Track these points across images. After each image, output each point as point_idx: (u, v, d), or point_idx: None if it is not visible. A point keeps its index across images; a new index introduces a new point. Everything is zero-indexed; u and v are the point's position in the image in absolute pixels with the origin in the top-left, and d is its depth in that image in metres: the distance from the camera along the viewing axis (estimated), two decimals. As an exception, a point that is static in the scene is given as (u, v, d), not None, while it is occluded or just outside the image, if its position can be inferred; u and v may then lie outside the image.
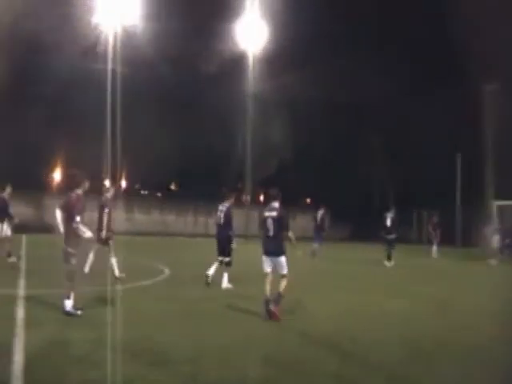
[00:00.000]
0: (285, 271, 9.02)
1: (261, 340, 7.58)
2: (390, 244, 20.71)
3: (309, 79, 36.64)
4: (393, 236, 20.75)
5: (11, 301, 9.29)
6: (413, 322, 9.30)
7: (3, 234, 15.57)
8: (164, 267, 15.58)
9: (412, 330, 8.61)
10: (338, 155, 43.35)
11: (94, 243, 12.64)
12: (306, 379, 6.02)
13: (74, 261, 8.47)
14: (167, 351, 6.70)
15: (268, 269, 9.10)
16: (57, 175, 45.66)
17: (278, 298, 8.90)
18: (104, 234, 12.77)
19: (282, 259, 9.02)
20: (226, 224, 12.42)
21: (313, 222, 26.23)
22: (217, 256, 12.44)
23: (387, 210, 21.34)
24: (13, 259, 15.17)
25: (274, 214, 9.08)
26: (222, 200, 12.87)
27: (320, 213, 24.56)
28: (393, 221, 20.88)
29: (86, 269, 12.77)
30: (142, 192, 54.70)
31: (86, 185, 8.86)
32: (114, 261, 12.71)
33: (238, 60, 38.62)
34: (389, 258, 20.45)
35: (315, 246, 22.86)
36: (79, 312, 8.35)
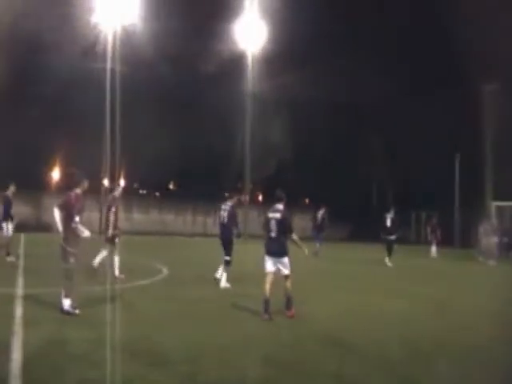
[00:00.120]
0: (288, 272, 9.04)
1: (260, 340, 7.56)
2: (390, 245, 20.78)
3: (308, 79, 36.65)
4: (393, 237, 20.80)
5: (10, 299, 9.28)
6: (412, 323, 9.29)
7: (9, 233, 15.63)
8: (162, 267, 15.56)
9: (411, 330, 8.61)
10: (338, 155, 43.37)
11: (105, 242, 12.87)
12: (305, 379, 6.01)
13: (72, 260, 8.45)
14: (166, 351, 6.68)
15: (269, 269, 9.10)
16: (56, 174, 45.66)
17: (288, 302, 9.01)
18: (110, 232, 12.81)
19: (285, 260, 9.05)
20: (230, 223, 12.46)
21: (312, 221, 26.27)
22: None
23: (387, 210, 21.37)
24: (11, 258, 15.17)
25: (278, 215, 9.11)
26: (225, 199, 12.92)
27: (320, 213, 24.61)
28: (393, 221, 20.92)
29: (96, 263, 12.86)
30: (141, 191, 54.69)
31: (85, 184, 8.85)
32: (116, 260, 12.72)
33: (238, 60, 38.60)
34: (389, 254, 20.54)
35: (317, 245, 22.95)
36: (77, 311, 8.33)
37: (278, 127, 39.51)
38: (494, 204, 28.99)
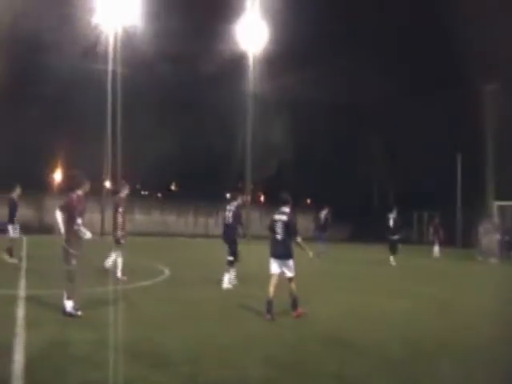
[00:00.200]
0: (292, 274, 9.09)
1: (261, 340, 7.57)
2: (394, 244, 20.86)
3: (309, 80, 36.66)
4: (396, 237, 20.89)
5: (12, 301, 9.29)
6: (414, 323, 9.29)
7: (14, 235, 15.68)
8: (164, 268, 15.56)
9: (413, 331, 8.61)
10: (339, 156, 43.38)
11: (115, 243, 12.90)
12: (306, 379, 6.02)
13: (74, 262, 8.46)
14: (168, 352, 6.69)
15: (274, 271, 9.14)
16: (57, 176, 45.69)
17: (294, 303, 9.07)
18: (120, 233, 12.83)
19: (290, 262, 9.10)
20: (235, 224, 12.51)
21: (314, 222, 26.28)
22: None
23: (389, 210, 21.43)
24: (13, 260, 15.18)
25: (284, 218, 9.17)
26: (229, 200, 12.97)
27: (323, 213, 24.63)
28: (395, 221, 21.00)
29: (108, 264, 12.94)
30: (143, 192, 54.70)
31: (87, 186, 8.86)
32: (119, 261, 12.73)
33: (239, 60, 38.63)
34: (393, 254, 20.60)
35: (321, 246, 22.94)
36: (79, 313, 8.34)
37: (279, 128, 39.54)
38: (496, 204, 28.99)
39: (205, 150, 41.08)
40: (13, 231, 15.62)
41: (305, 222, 32.22)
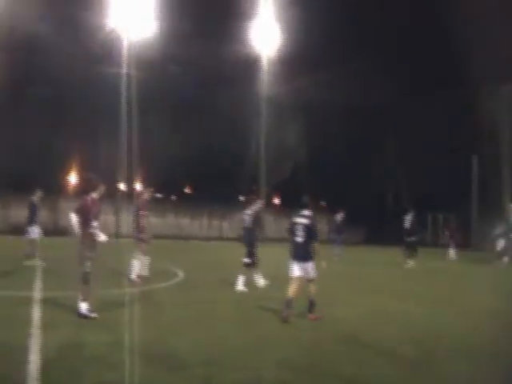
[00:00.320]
0: (313, 275, 9.13)
1: (276, 342, 7.55)
2: (411, 246, 20.84)
3: (323, 82, 36.57)
4: (413, 238, 20.87)
5: (28, 302, 9.36)
6: (430, 326, 9.22)
7: (37, 236, 15.84)
8: (178, 270, 15.60)
9: (429, 334, 8.53)
10: (352, 158, 43.19)
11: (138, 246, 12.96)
12: (321, 381, 6.01)
13: (89, 264, 8.52)
14: (182, 354, 6.70)
15: (296, 273, 9.16)
16: (72, 178, 45.95)
17: (311, 306, 9.10)
18: (145, 236, 12.87)
19: (311, 264, 9.13)
20: (254, 227, 12.60)
21: (329, 225, 26.38)
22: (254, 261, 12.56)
23: (405, 212, 21.43)
24: (30, 262, 15.29)
25: (306, 221, 9.21)
26: (248, 204, 13.08)
27: (339, 216, 24.75)
28: (412, 223, 20.99)
29: (145, 273, 12.99)
30: (157, 195, 54.84)
31: (102, 189, 8.90)
32: (136, 263, 12.77)
33: (253, 63, 38.68)
34: (411, 257, 20.55)
35: (336, 249, 23.10)
36: (94, 314, 8.38)
37: (293, 130, 39.48)
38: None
39: (219, 152, 41.09)
40: (33, 233, 15.80)
41: (319, 225, 32.12)
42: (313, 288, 9.12)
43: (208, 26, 36.59)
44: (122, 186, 34.17)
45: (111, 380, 5.62)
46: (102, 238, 8.56)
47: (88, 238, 8.50)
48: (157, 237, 33.47)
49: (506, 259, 23.23)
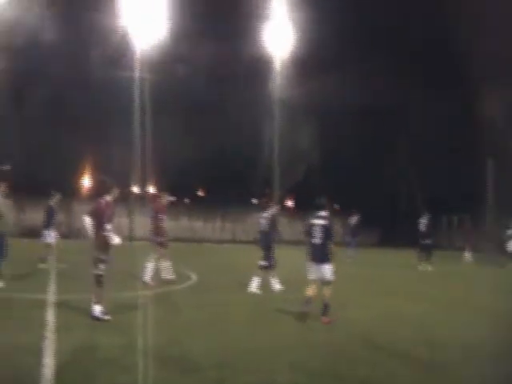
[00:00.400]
0: (330, 278, 9.09)
1: (290, 345, 7.53)
2: (427, 249, 20.76)
3: (336, 85, 36.45)
4: (429, 241, 20.80)
5: (42, 305, 9.42)
6: (445, 328, 9.15)
7: (53, 240, 15.94)
8: (192, 273, 15.61)
9: (444, 337, 8.46)
10: (365, 160, 43.00)
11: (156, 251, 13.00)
12: (335, 385, 5.98)
13: (102, 266, 8.55)
14: (195, 357, 6.70)
15: (313, 276, 9.14)
16: (86, 181, 46.19)
17: (325, 309, 9.04)
18: (163, 240, 13.01)
19: (328, 266, 9.09)
20: (271, 230, 12.62)
21: (343, 228, 26.46)
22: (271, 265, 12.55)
23: (421, 215, 21.35)
24: (44, 265, 15.37)
25: (323, 222, 9.20)
26: (264, 207, 13.12)
27: (354, 219, 24.82)
28: (427, 226, 20.91)
29: (170, 276, 13.11)
30: (171, 198, 54.92)
31: (116, 192, 8.93)
32: (150, 266, 12.80)
33: (266, 65, 38.64)
34: (427, 260, 20.49)
35: (350, 251, 23.15)
36: (107, 317, 8.41)
37: (306, 132, 39.39)
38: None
39: (232, 155, 41.10)
40: (49, 237, 15.88)
41: (335, 227, 32.06)
42: (327, 291, 9.06)
43: (220, 27, 36.64)
44: (135, 189, 34.30)
45: (124, 382, 5.63)
46: (116, 240, 8.58)
47: (102, 240, 8.53)
48: (170, 240, 33.72)
49: None
